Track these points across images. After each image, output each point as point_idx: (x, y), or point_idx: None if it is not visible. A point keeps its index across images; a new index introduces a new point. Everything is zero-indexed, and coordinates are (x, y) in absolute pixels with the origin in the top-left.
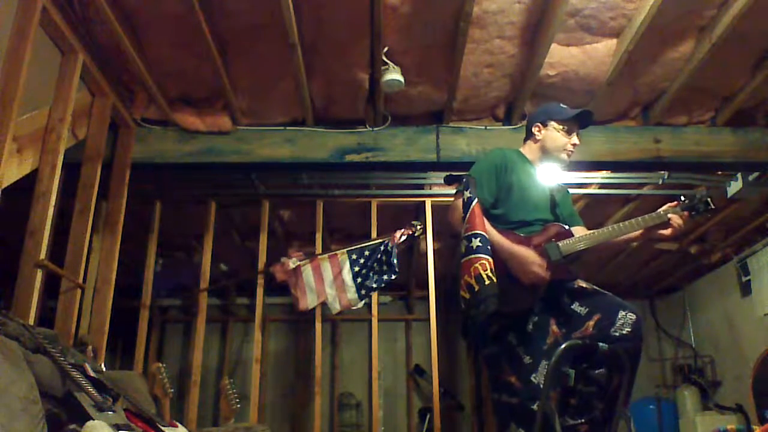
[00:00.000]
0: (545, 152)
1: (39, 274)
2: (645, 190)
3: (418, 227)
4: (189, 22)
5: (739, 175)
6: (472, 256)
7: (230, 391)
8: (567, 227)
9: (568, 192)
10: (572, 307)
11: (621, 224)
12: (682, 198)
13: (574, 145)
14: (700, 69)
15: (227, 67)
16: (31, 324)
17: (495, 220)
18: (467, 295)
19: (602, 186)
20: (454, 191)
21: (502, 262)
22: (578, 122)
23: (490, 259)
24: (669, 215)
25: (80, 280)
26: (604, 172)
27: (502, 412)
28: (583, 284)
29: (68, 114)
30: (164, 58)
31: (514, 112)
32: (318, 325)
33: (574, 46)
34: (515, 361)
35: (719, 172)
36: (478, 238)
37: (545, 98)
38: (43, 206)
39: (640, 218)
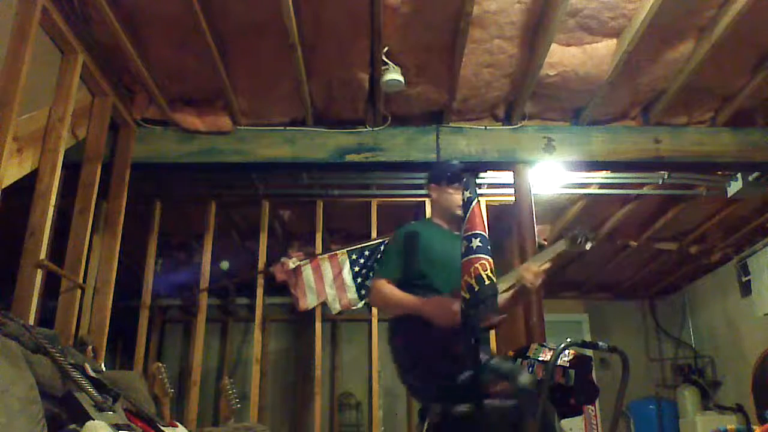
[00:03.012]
0: (443, 211)
1: (39, 274)
2: (645, 190)
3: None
4: (189, 22)
5: (739, 175)
6: (472, 256)
7: (230, 391)
8: None
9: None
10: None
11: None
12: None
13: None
14: (700, 69)
15: (227, 67)
16: (31, 324)
17: (424, 292)
18: (467, 295)
19: (602, 186)
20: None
21: (424, 333)
22: (465, 176)
23: (490, 259)
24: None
25: (80, 280)
26: (604, 172)
27: None
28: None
29: (68, 114)
30: (164, 58)
31: (514, 112)
32: (318, 325)
33: (574, 46)
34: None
35: (719, 172)
36: (478, 238)
37: (545, 98)
38: (43, 206)
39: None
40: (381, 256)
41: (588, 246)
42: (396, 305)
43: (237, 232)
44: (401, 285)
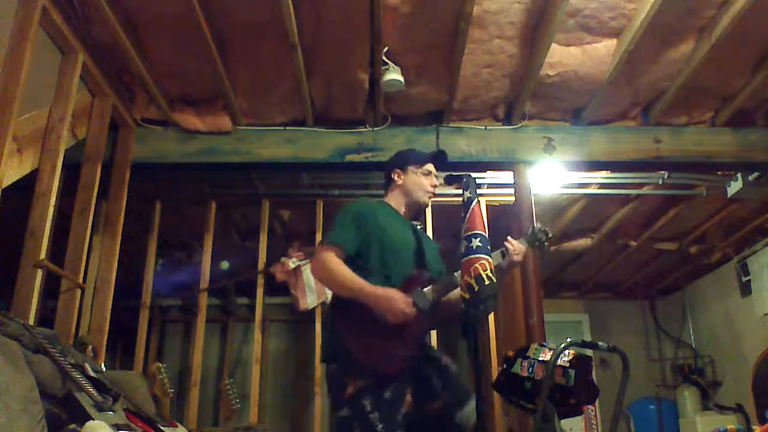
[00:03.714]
0: (408, 197)
1: (39, 274)
2: (645, 190)
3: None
4: (189, 22)
5: (739, 175)
6: (472, 256)
7: (230, 391)
8: (428, 275)
9: (438, 247)
10: (431, 378)
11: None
12: (526, 232)
13: (434, 186)
14: (700, 69)
15: (227, 67)
16: (31, 324)
17: (369, 275)
18: (467, 295)
19: (602, 186)
20: (456, 190)
21: (371, 319)
22: (435, 164)
23: (490, 260)
24: (506, 244)
25: (80, 280)
26: (604, 172)
27: None
28: (442, 358)
29: (68, 114)
30: (164, 58)
31: (514, 112)
32: (318, 325)
33: (574, 46)
34: (368, 430)
35: (719, 172)
36: (478, 238)
37: (545, 98)
38: (43, 206)
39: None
40: (332, 225)
41: (546, 245)
42: (343, 286)
43: (237, 232)
44: (349, 261)
